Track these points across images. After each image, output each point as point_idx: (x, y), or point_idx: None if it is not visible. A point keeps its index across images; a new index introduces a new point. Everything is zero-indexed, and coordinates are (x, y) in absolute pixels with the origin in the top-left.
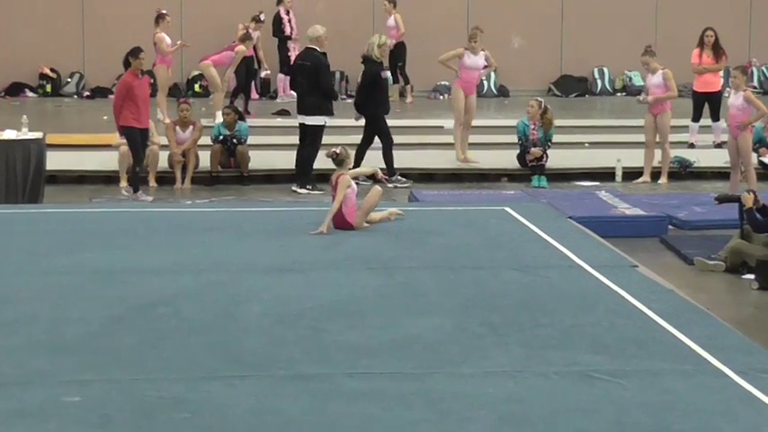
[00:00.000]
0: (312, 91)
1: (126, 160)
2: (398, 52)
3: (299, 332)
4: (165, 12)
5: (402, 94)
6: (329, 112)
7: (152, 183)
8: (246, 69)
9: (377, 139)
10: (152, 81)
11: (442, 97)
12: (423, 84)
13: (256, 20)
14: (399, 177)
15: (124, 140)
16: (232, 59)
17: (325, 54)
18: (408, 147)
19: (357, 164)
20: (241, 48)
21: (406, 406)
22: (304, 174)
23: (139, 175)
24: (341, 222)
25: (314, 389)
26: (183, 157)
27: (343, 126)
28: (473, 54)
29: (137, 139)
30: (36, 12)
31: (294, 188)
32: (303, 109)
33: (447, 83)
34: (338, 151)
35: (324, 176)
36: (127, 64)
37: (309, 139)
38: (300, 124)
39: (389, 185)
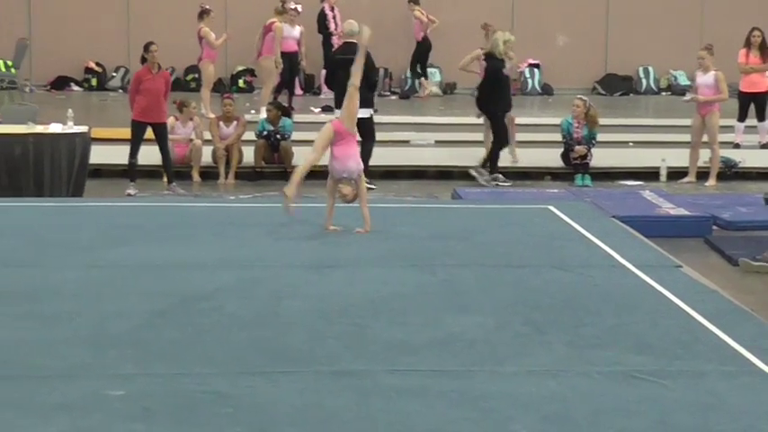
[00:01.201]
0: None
1: (198, 154)
2: (423, 48)
3: (341, 328)
4: (208, 7)
5: (417, 89)
6: (372, 105)
7: (195, 177)
8: (290, 65)
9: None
10: (196, 76)
11: None
12: (467, 81)
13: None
14: (498, 176)
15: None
16: (272, 39)
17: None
18: (452, 144)
19: (494, 164)
20: (278, 24)
21: (448, 404)
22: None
23: (135, 167)
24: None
25: (355, 385)
26: (227, 152)
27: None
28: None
29: (139, 134)
30: (82, 6)
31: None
32: None
33: None
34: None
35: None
36: (145, 59)
37: (367, 134)
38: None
39: (491, 183)
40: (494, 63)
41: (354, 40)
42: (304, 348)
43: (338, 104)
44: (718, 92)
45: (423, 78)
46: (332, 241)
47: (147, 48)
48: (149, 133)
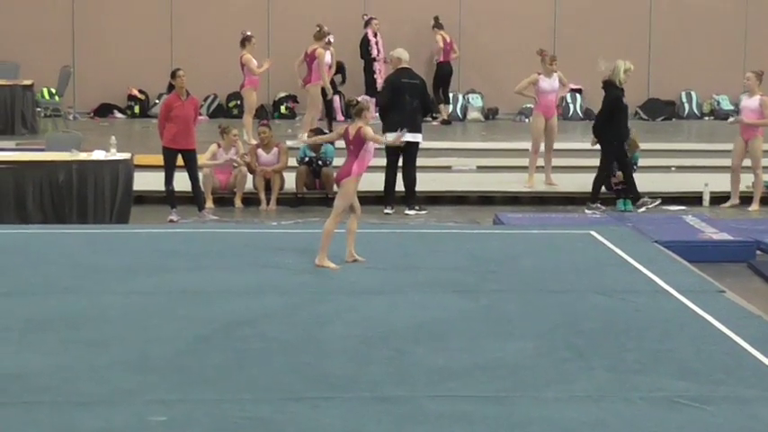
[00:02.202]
0: (419, 109)
1: (210, 181)
2: (443, 72)
3: (383, 354)
4: (250, 33)
5: (435, 114)
6: (421, 130)
7: (238, 204)
8: (324, 92)
9: None
10: (239, 103)
11: (527, 120)
12: (509, 107)
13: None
14: (646, 200)
15: (210, 162)
16: (317, 66)
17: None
18: (494, 169)
19: (595, 194)
20: (320, 51)
21: (489, 429)
22: (412, 194)
23: (173, 194)
24: (341, 173)
25: (397, 411)
26: (268, 178)
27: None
28: (547, 77)
29: (170, 161)
30: (125, 34)
31: (406, 211)
32: (414, 127)
33: (532, 105)
34: (359, 99)
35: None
36: (172, 86)
37: (413, 159)
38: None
39: (639, 210)
40: (613, 92)
41: (408, 66)
42: (346, 374)
43: (394, 128)
44: (762, 116)
45: (441, 104)
46: (373, 267)
47: (174, 74)
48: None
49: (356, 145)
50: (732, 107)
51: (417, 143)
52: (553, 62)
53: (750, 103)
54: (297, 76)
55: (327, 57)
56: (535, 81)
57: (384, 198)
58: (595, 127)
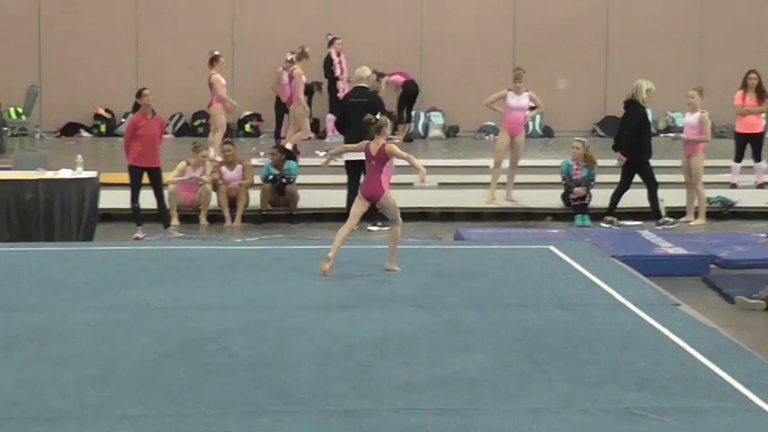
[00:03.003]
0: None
1: (175, 199)
2: (407, 91)
3: (347, 368)
4: (218, 53)
5: (395, 131)
6: None
7: (203, 221)
8: (287, 110)
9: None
10: (204, 121)
11: (487, 137)
12: (469, 124)
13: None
14: (668, 219)
15: (175, 179)
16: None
17: (377, 92)
18: (455, 186)
19: (612, 208)
20: (298, 71)
21: None
22: (374, 211)
23: (139, 211)
24: (372, 190)
25: (361, 424)
26: (233, 195)
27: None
28: (516, 95)
29: (136, 179)
30: (91, 53)
31: (369, 227)
32: None
33: (493, 123)
34: (378, 117)
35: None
36: (137, 105)
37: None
38: (351, 162)
39: (658, 227)
40: (637, 110)
41: (365, 84)
42: (310, 388)
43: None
44: (702, 132)
45: (400, 124)
46: (337, 283)
47: (140, 94)
48: (166, 177)
49: (379, 161)
50: None
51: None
52: (516, 79)
53: (691, 119)
54: (280, 94)
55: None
56: (503, 96)
57: (346, 215)
58: (621, 145)
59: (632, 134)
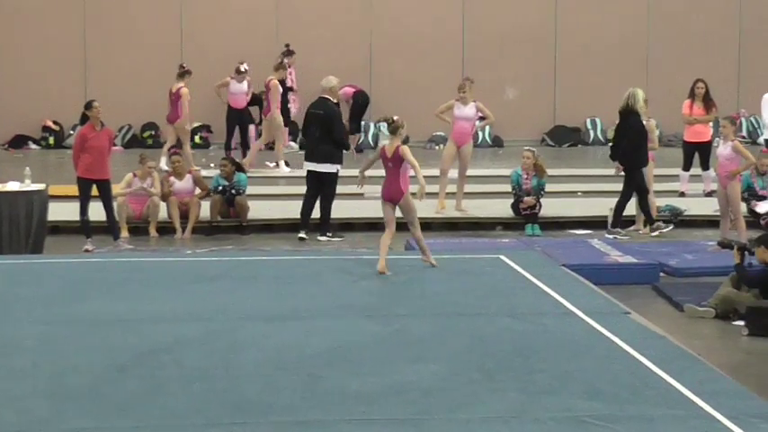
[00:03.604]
0: (324, 140)
1: (125, 211)
2: (356, 101)
3: (298, 379)
4: (188, 68)
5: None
6: (340, 161)
7: (153, 233)
8: (239, 122)
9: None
10: (153, 133)
11: (437, 147)
12: (419, 134)
13: (238, 71)
14: (660, 224)
15: (123, 191)
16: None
17: (338, 104)
18: None
19: (617, 219)
20: (274, 82)
21: None
22: (325, 221)
23: (88, 224)
24: (392, 192)
25: None
26: (184, 207)
27: (379, 176)
28: (463, 105)
29: (85, 191)
30: (39, 66)
31: (318, 237)
32: (315, 157)
33: (442, 133)
34: (395, 118)
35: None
36: (85, 117)
37: (327, 189)
38: (309, 172)
39: (653, 234)
40: (635, 119)
41: (327, 96)
42: (261, 399)
43: (310, 157)
44: (648, 140)
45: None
46: (287, 293)
47: (89, 106)
48: (114, 189)
49: (395, 162)
50: None
51: (328, 174)
52: (460, 89)
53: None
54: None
55: (245, 86)
56: (451, 107)
57: (300, 224)
58: (617, 154)
59: (632, 143)
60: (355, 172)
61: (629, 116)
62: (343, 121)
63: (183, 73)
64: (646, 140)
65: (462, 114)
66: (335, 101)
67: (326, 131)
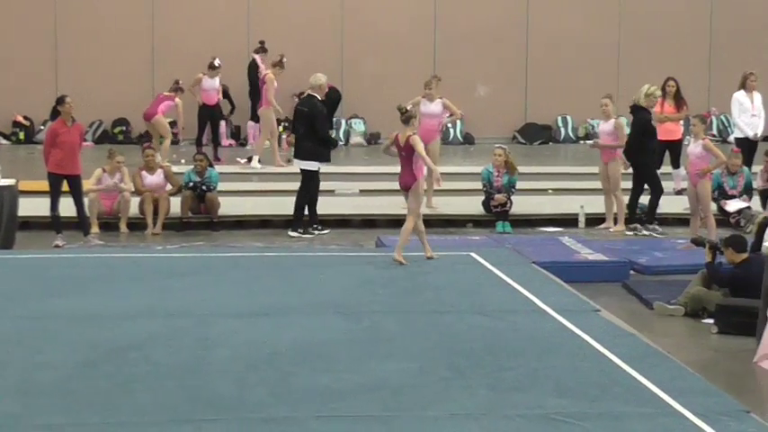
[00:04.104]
0: (308, 136)
1: (96, 206)
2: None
3: (268, 376)
4: (182, 86)
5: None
6: (325, 159)
7: (123, 228)
8: (211, 118)
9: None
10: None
11: None
12: (390, 131)
13: (212, 66)
14: (656, 227)
15: (94, 187)
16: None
17: (324, 102)
18: (376, 193)
19: (631, 214)
20: (270, 76)
21: None
22: (296, 219)
23: (59, 219)
24: (406, 180)
25: None
26: (154, 202)
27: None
28: (429, 102)
29: (56, 186)
30: (10, 61)
31: (289, 232)
32: (299, 154)
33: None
34: (408, 107)
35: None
36: (56, 112)
37: (303, 185)
38: (304, 170)
39: (645, 233)
40: (641, 114)
41: (314, 93)
42: (231, 396)
43: (296, 154)
44: (617, 139)
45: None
46: (258, 290)
47: (61, 101)
48: (85, 185)
49: (408, 151)
50: None
51: (308, 171)
52: (427, 86)
53: (606, 127)
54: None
55: (217, 81)
56: (417, 104)
57: (267, 222)
58: (626, 151)
59: (636, 139)
60: (327, 168)
61: (636, 112)
62: (326, 119)
63: (177, 89)
64: (650, 136)
65: (428, 111)
66: (322, 98)
67: (311, 128)
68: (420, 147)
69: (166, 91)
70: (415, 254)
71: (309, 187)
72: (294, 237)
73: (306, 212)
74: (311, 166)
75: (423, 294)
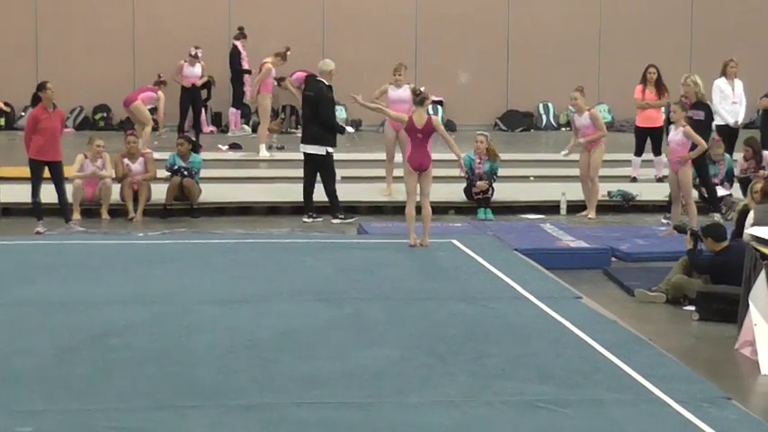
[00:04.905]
0: (313, 121)
1: (80, 193)
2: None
3: (249, 362)
4: (164, 79)
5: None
6: (330, 144)
7: (104, 215)
8: (192, 103)
9: None
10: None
11: None
12: (371, 118)
13: (194, 56)
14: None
15: (79, 174)
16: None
17: (330, 87)
18: (357, 180)
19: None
20: (268, 66)
21: None
22: (333, 205)
23: (40, 205)
24: (420, 161)
25: (263, 418)
26: (135, 188)
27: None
28: (397, 88)
29: (37, 173)
30: None
31: (304, 219)
32: (305, 138)
33: None
34: (422, 89)
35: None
36: (37, 99)
37: (322, 171)
38: (304, 154)
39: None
40: (700, 105)
41: (321, 78)
42: (212, 383)
43: (302, 138)
44: (597, 129)
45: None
46: (240, 276)
47: (42, 87)
48: (68, 171)
49: (425, 133)
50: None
51: (318, 156)
52: (396, 72)
53: (582, 121)
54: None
55: (198, 69)
56: (385, 91)
57: (303, 207)
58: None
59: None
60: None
61: (698, 107)
62: (331, 104)
63: (160, 83)
64: (702, 129)
65: (398, 97)
66: (329, 84)
67: (315, 113)
68: (443, 130)
69: (150, 85)
70: (397, 241)
71: (329, 171)
72: (336, 223)
73: (304, 198)
74: (316, 150)
75: (404, 281)
